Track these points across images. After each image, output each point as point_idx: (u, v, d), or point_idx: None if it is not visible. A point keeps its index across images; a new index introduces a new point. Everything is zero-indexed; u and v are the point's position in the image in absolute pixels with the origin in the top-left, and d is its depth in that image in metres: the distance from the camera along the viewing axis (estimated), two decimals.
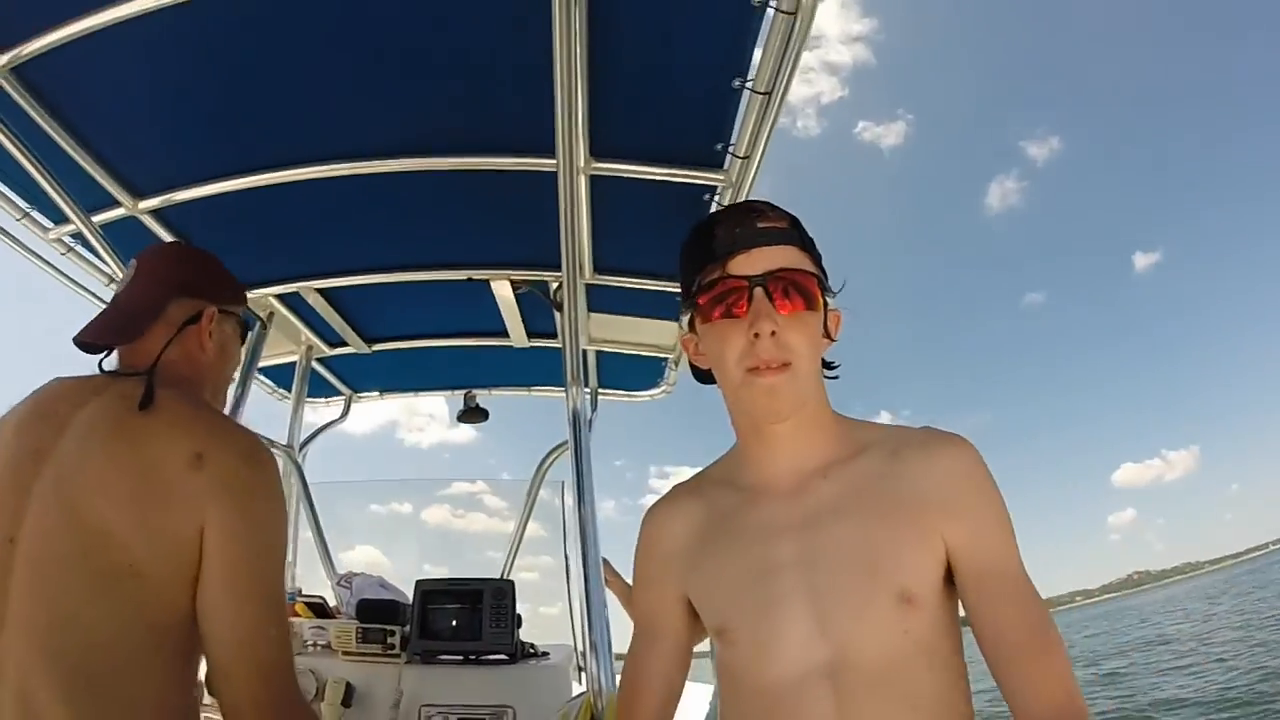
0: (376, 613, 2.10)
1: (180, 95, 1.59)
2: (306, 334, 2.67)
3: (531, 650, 2.15)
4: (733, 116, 1.51)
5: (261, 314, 2.42)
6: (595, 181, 1.74)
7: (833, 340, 0.94)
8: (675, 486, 1.03)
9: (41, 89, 1.52)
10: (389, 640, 2.03)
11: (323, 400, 3.28)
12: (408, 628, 2.05)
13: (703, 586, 0.93)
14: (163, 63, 1.48)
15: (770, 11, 1.23)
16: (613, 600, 2.21)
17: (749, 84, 1.39)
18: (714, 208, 1.76)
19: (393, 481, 3.47)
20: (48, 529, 0.90)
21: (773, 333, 0.83)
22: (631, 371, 2.98)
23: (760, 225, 0.88)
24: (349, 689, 1.91)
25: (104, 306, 1.18)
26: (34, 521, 0.90)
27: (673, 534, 0.98)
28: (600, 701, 1.64)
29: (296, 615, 2.23)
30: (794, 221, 0.91)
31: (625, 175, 1.72)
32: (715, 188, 1.72)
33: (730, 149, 1.57)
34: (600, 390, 3.14)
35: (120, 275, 1.87)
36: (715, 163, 1.65)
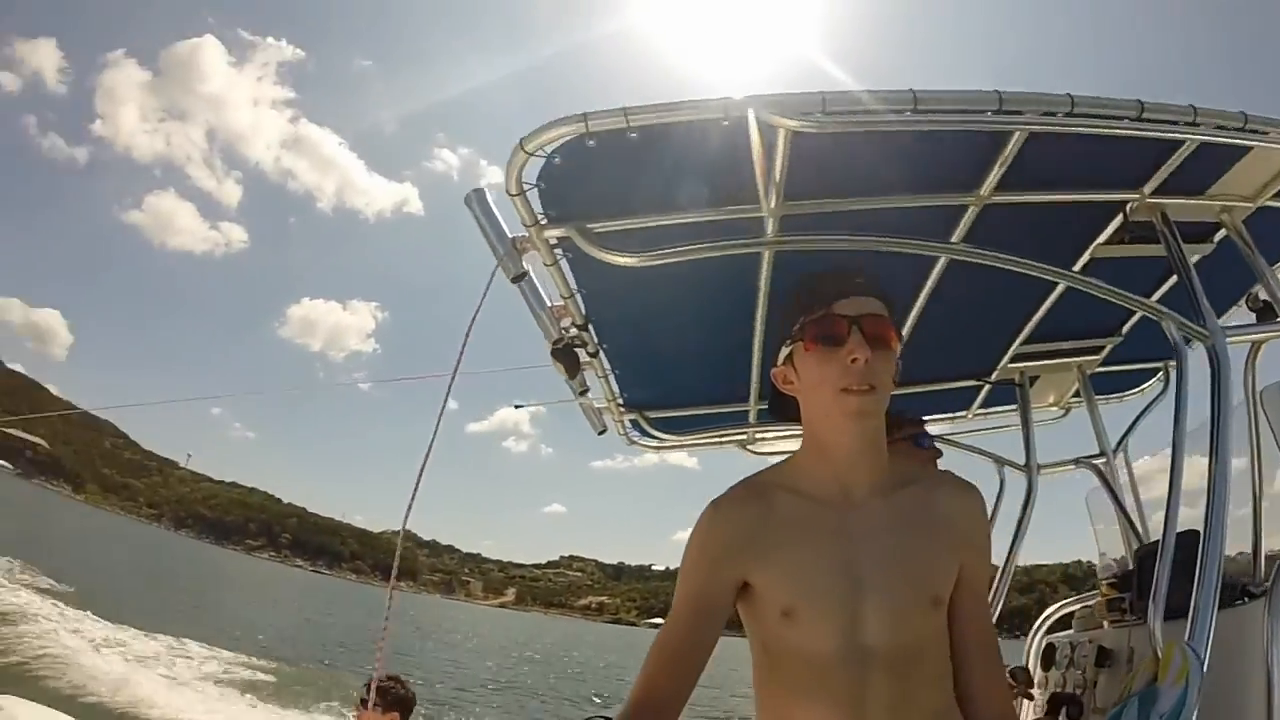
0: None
1: None
2: None
3: None
4: None
5: None
6: None
7: (894, 383, 1.09)
8: (735, 486, 1.16)
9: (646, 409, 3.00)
10: (1120, 606, 2.49)
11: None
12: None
13: (774, 573, 1.07)
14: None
15: None
16: None
17: None
18: None
19: None
20: None
21: (866, 360, 1.03)
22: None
23: (856, 280, 1.10)
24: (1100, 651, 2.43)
25: None
26: None
27: (738, 526, 1.10)
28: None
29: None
30: (877, 278, 1.13)
31: None
32: None
33: None
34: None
35: None
36: None
